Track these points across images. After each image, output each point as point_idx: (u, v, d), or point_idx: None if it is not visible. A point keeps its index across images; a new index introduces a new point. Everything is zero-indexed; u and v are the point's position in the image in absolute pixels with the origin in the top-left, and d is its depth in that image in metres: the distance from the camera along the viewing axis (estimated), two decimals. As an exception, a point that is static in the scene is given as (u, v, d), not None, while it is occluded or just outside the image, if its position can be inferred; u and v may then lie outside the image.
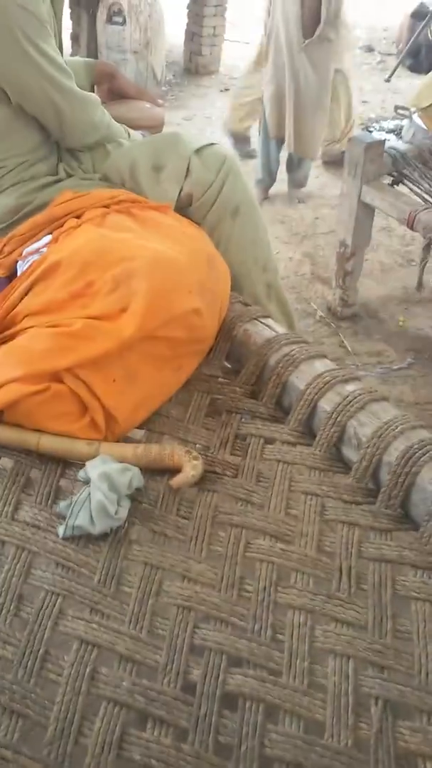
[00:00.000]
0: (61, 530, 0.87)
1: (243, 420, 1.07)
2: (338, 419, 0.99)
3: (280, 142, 3.45)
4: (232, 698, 0.70)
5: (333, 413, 1.00)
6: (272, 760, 0.65)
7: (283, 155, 3.57)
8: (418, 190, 2.17)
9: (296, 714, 0.69)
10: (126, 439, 1.04)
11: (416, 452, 0.90)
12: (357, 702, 0.70)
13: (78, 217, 1.18)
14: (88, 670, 0.72)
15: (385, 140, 2.25)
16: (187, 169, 1.28)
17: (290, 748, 0.66)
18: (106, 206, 1.18)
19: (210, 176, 1.28)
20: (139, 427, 1.06)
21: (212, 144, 1.32)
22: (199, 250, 1.13)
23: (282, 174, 3.62)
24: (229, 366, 1.17)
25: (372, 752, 0.66)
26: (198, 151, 1.29)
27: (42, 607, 0.79)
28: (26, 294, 1.07)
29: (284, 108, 3.26)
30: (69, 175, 1.35)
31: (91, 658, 0.74)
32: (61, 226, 1.16)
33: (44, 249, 1.13)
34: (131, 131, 1.50)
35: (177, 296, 1.02)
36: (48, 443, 0.97)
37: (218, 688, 0.71)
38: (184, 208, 1.29)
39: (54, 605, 0.79)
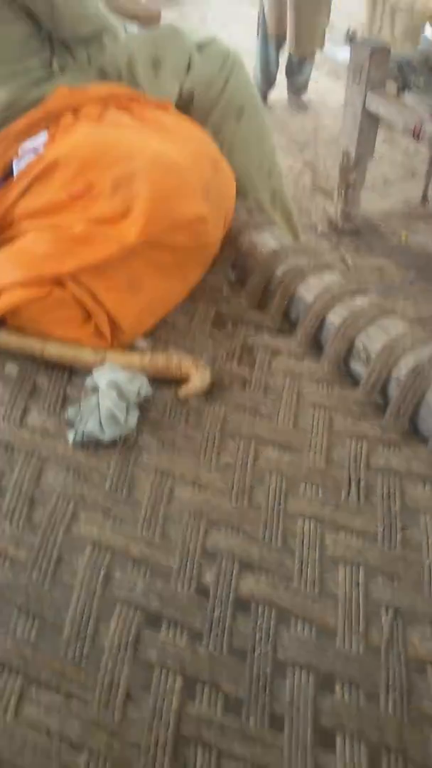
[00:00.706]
0: (71, 436, 0.87)
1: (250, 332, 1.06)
2: (347, 333, 0.98)
3: (280, 41, 3.30)
4: (244, 602, 0.72)
5: (341, 327, 0.99)
6: (285, 663, 0.68)
7: (282, 60, 3.43)
8: (424, 99, 2.10)
9: (308, 619, 0.71)
10: (131, 348, 1.02)
11: (426, 368, 0.90)
12: (368, 609, 0.72)
13: (75, 112, 1.13)
14: (102, 572, 0.74)
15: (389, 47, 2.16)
16: (188, 64, 1.22)
17: (303, 652, 0.68)
18: (104, 102, 1.13)
19: (212, 72, 1.22)
20: (145, 335, 1.05)
21: (214, 38, 1.25)
22: (203, 153, 1.08)
23: (280, 80, 3.48)
24: (234, 276, 1.15)
25: (383, 658, 0.68)
26: (199, 45, 1.23)
27: (54, 511, 0.79)
28: (24, 194, 1.03)
29: (284, 3, 3.10)
30: (63, 70, 1.28)
31: (104, 561, 0.75)
32: (58, 122, 1.10)
33: (41, 147, 1.08)
34: (128, 25, 1.42)
35: (180, 201, 0.99)
36: (53, 350, 0.96)
37: (231, 592, 0.72)
38: (185, 107, 1.24)
39: (66, 509, 0.80)
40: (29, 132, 1.15)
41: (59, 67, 1.26)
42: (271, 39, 3.29)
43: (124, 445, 0.87)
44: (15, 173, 1.09)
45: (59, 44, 1.28)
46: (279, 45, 3.32)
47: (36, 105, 1.19)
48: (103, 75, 1.29)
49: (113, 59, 1.28)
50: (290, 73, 3.48)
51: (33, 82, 1.23)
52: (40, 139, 1.12)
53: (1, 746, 0.60)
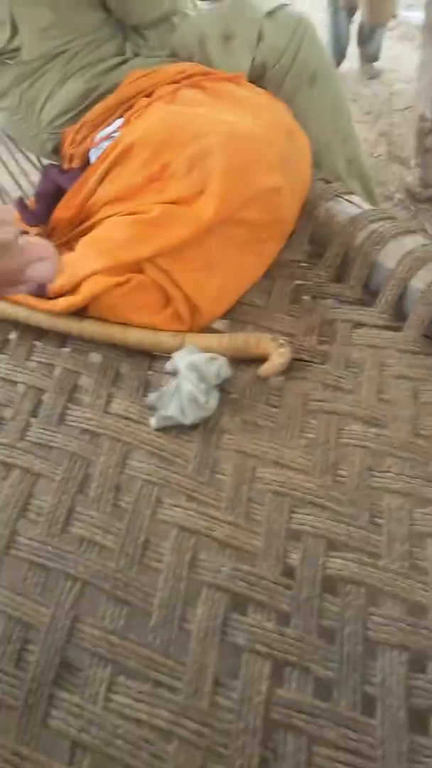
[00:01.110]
0: (153, 421, 0.87)
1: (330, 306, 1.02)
2: (432, 299, 0.93)
3: (351, 11, 3.19)
4: (332, 582, 0.70)
5: (426, 292, 0.94)
6: (376, 642, 0.65)
7: (352, 30, 3.32)
8: None
9: (398, 597, 0.68)
10: (209, 330, 1.02)
11: None
12: (462, 586, 0.69)
13: (148, 95, 1.12)
14: (187, 556, 0.73)
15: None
16: (259, 34, 1.19)
17: (395, 630, 0.66)
18: (177, 81, 1.11)
19: (284, 41, 1.18)
20: (222, 317, 1.03)
21: (284, 5, 1.21)
22: (277, 122, 1.05)
23: (351, 50, 3.37)
24: (311, 249, 1.12)
25: None
26: (269, 14, 1.19)
27: (139, 496, 0.80)
28: (101, 182, 1.03)
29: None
30: (136, 54, 1.28)
31: (190, 544, 0.74)
32: (132, 107, 1.10)
33: (116, 133, 1.08)
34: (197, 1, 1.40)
35: (256, 173, 0.96)
36: (134, 336, 0.96)
37: (318, 572, 0.71)
38: (258, 78, 1.21)
39: (151, 494, 0.80)
40: (105, 120, 1.16)
41: (132, 53, 1.26)
42: (341, 9, 3.19)
43: (206, 427, 0.87)
44: (92, 161, 1.10)
45: (131, 30, 1.28)
46: (350, 15, 3.21)
47: (111, 92, 1.19)
48: (175, 56, 1.28)
49: (184, 39, 1.26)
50: (362, 41, 3.35)
51: (107, 70, 1.24)
52: (115, 124, 1.12)
53: (91, 736, 0.61)
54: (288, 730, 0.61)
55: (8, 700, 0.64)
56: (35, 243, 0.44)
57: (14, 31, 1.22)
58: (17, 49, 1.24)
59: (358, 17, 3.26)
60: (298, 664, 0.64)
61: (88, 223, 1.04)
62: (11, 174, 1.40)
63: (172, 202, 0.96)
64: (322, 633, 0.67)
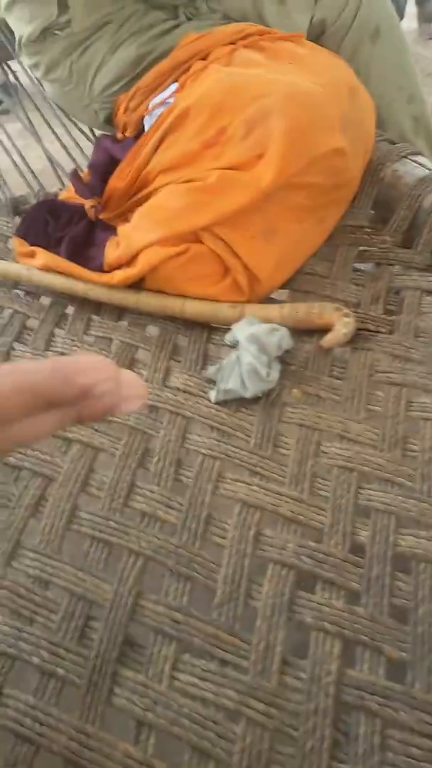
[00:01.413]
0: (212, 395, 0.85)
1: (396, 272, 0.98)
2: None
3: None
4: (404, 560, 0.67)
5: None
6: (452, 623, 0.62)
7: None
8: None
9: None
10: (268, 301, 0.98)
11: None
12: None
13: (204, 58, 1.08)
14: (252, 532, 0.71)
15: None
16: None
17: (471, 611, 0.62)
18: (233, 42, 1.07)
19: None
20: (282, 287, 1.00)
21: None
22: (339, 80, 1.00)
23: (410, 8, 3.24)
24: (376, 214, 1.07)
25: None
26: None
27: (201, 470, 0.78)
28: (157, 149, 1.00)
29: None
30: (188, 19, 1.24)
31: (254, 520, 0.72)
32: (187, 70, 1.07)
33: (171, 99, 1.05)
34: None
35: (318, 134, 0.92)
36: (192, 308, 0.94)
37: (389, 550, 0.68)
38: (317, 36, 1.16)
39: (213, 469, 0.78)
40: (159, 85, 1.12)
41: (185, 17, 1.23)
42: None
43: (267, 400, 0.84)
44: (146, 130, 1.07)
45: None
46: None
47: (164, 57, 1.16)
48: (228, 20, 1.24)
49: (237, 2, 1.22)
50: (421, 1, 3.24)
51: (159, 34, 1.20)
52: (170, 90, 1.09)
53: (156, 715, 0.60)
54: (360, 712, 0.58)
55: (72, 678, 0.63)
56: (130, 381, 0.44)
57: (63, 6, 1.19)
58: (67, 22, 1.21)
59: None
60: (369, 644, 0.62)
61: (143, 193, 1.01)
62: (64, 147, 1.38)
63: (229, 168, 0.93)
64: (394, 613, 0.64)
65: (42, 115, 1.43)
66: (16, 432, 0.40)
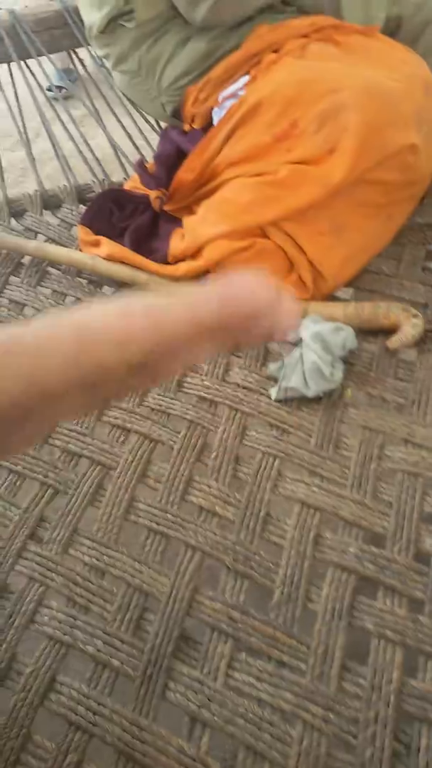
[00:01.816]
0: (273, 392, 0.84)
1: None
2: None
3: None
4: (470, 571, 0.65)
5: None
6: None
7: None
8: None
9: None
10: (333, 299, 0.97)
11: None
12: None
13: (276, 51, 1.07)
14: (312, 534, 0.70)
15: None
16: None
17: None
18: (306, 35, 1.05)
19: None
20: (347, 285, 0.98)
21: None
22: (414, 76, 0.98)
23: None
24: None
25: None
26: None
27: (260, 468, 0.77)
28: (226, 142, 0.99)
29: None
30: (261, 11, 1.22)
31: (314, 521, 0.71)
32: (259, 63, 1.05)
33: (242, 91, 1.04)
34: None
35: (392, 130, 0.90)
36: (255, 302, 0.93)
37: (455, 560, 0.66)
38: (393, 31, 1.13)
39: (272, 467, 0.77)
40: (230, 77, 1.11)
41: (258, 11, 1.21)
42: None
43: (329, 399, 0.83)
44: (215, 122, 1.06)
45: None
46: None
47: (236, 50, 1.14)
48: (302, 13, 1.22)
49: None
50: None
51: (231, 27, 1.19)
52: (240, 83, 1.07)
53: (211, 712, 0.59)
54: (423, 724, 0.56)
55: (126, 669, 0.63)
56: (288, 310, 0.45)
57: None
58: (132, 11, 1.20)
59: None
60: (432, 655, 0.60)
61: (210, 185, 1.01)
62: (129, 136, 1.38)
63: (300, 162, 0.91)
64: (459, 624, 0.62)
65: (107, 103, 1.43)
66: (182, 360, 0.43)
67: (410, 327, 0.85)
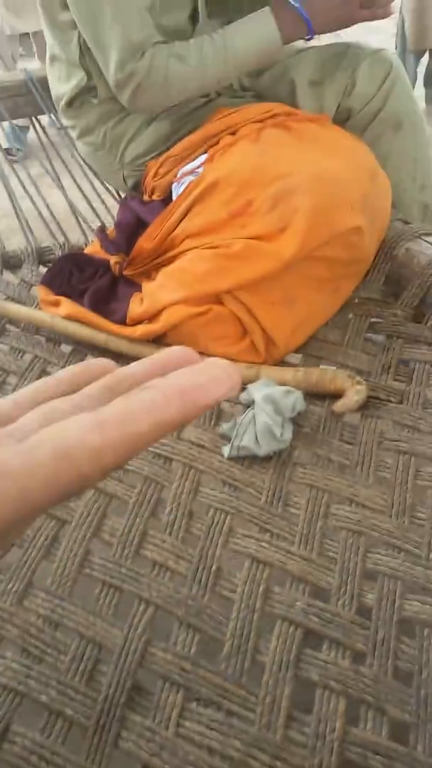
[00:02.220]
0: (226, 451, 0.87)
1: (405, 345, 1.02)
2: None
3: (419, 55, 3.25)
4: (409, 624, 0.69)
5: None
6: (455, 688, 0.64)
7: (421, 70, 3.37)
8: None
9: None
10: (283, 364, 1.02)
11: None
12: None
13: (233, 133, 1.14)
14: (261, 588, 0.73)
15: None
16: (351, 82, 1.20)
17: (474, 677, 0.64)
18: (262, 120, 1.14)
19: (372, 89, 1.20)
20: (296, 351, 1.04)
21: (379, 51, 1.22)
22: (361, 164, 1.07)
23: (419, 90, 3.40)
24: (387, 288, 1.12)
25: None
26: (365, 58, 1.20)
27: (212, 524, 0.80)
28: (185, 216, 1.06)
29: (428, 17, 3.04)
30: (219, 95, 1.31)
31: (263, 576, 0.74)
32: (217, 143, 1.13)
33: (200, 169, 1.11)
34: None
35: (339, 213, 0.98)
36: (209, 365, 0.97)
37: (395, 614, 0.69)
38: (342, 121, 1.23)
39: (223, 523, 0.80)
40: (189, 155, 1.18)
41: (216, 93, 1.29)
42: (410, 52, 3.24)
43: (279, 459, 0.87)
44: (174, 196, 1.13)
45: None
46: (418, 57, 3.27)
47: (196, 130, 1.22)
48: (260, 97, 1.31)
49: (271, 82, 1.29)
50: (430, 83, 3.41)
51: (193, 110, 1.26)
52: (199, 161, 1.15)
53: (162, 761, 0.60)
54: (364, 772, 0.59)
55: (79, 718, 0.64)
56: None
57: (88, 73, 1.23)
58: (95, 87, 1.25)
59: (425, 59, 3.31)
60: (373, 704, 0.63)
61: (169, 254, 1.06)
62: (89, 201, 1.44)
63: (254, 238, 0.98)
64: (399, 675, 0.65)
65: (64, 164, 1.49)
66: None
67: (354, 393, 0.91)
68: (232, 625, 0.70)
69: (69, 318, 1.05)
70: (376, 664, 0.66)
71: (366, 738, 0.61)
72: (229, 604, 0.72)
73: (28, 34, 3.54)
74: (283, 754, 0.60)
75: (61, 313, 1.06)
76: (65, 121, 1.33)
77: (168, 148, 1.24)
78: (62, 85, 1.29)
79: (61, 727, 0.64)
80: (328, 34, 1.20)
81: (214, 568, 0.75)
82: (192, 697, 0.65)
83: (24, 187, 1.42)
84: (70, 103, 1.27)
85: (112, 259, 1.14)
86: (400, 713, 0.62)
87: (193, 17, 1.22)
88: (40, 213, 1.38)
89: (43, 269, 1.23)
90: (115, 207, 1.38)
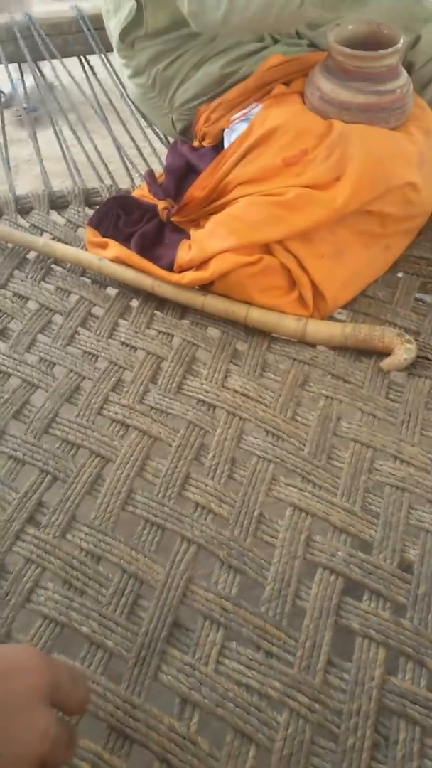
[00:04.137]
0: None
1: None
2: None
3: None
4: (451, 581, 0.69)
5: None
6: None
7: None
8: None
9: None
10: (331, 319, 1.01)
11: None
12: None
13: (287, 84, 1.12)
14: (303, 536, 0.73)
15: None
16: (416, 38, 1.17)
17: None
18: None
19: None
20: (344, 307, 1.03)
21: None
22: (417, 120, 1.04)
23: None
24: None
25: None
26: (428, 15, 1.16)
27: (255, 471, 0.80)
28: (238, 163, 1.04)
29: None
30: (275, 41, 1.27)
31: (305, 525, 0.74)
32: (270, 92, 1.10)
33: (252, 116, 1.08)
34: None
35: (395, 165, 0.95)
36: (256, 316, 0.96)
37: (437, 570, 0.70)
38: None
39: (266, 471, 0.80)
40: (242, 101, 1.15)
41: (271, 39, 1.26)
42: None
43: (322, 412, 0.86)
44: (226, 143, 1.11)
45: None
46: None
47: (246, 77, 1.19)
48: (314, 47, 1.27)
49: (325, 35, 1.25)
50: None
51: (245, 55, 1.23)
52: (252, 109, 1.12)
53: (201, 695, 0.61)
54: (401, 719, 0.60)
55: (120, 651, 0.65)
56: None
57: (138, 2, 1.18)
58: (143, 21, 1.20)
59: None
60: (413, 656, 0.63)
61: (219, 202, 1.04)
62: (137, 148, 1.42)
63: (308, 187, 0.96)
64: (439, 628, 0.66)
65: (113, 106, 1.47)
66: None
67: (403, 351, 0.90)
68: (274, 569, 0.70)
69: (116, 261, 1.05)
70: (416, 617, 0.66)
71: (404, 687, 0.61)
72: (270, 549, 0.73)
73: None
74: (322, 697, 0.61)
75: (108, 255, 1.06)
76: (119, 60, 1.30)
77: (218, 94, 1.21)
78: (111, 19, 1.26)
79: (101, 657, 0.65)
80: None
81: (256, 513, 0.76)
82: (232, 636, 0.66)
83: (72, 129, 1.40)
84: (122, 39, 1.24)
85: (160, 204, 1.12)
86: (439, 665, 0.63)
87: None
88: (87, 156, 1.37)
89: (89, 211, 1.22)
90: (162, 152, 1.36)
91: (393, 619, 0.66)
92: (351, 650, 0.65)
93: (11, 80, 2.58)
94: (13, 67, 1.61)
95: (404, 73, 1.02)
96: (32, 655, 0.42)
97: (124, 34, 1.23)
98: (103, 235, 1.11)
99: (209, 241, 0.99)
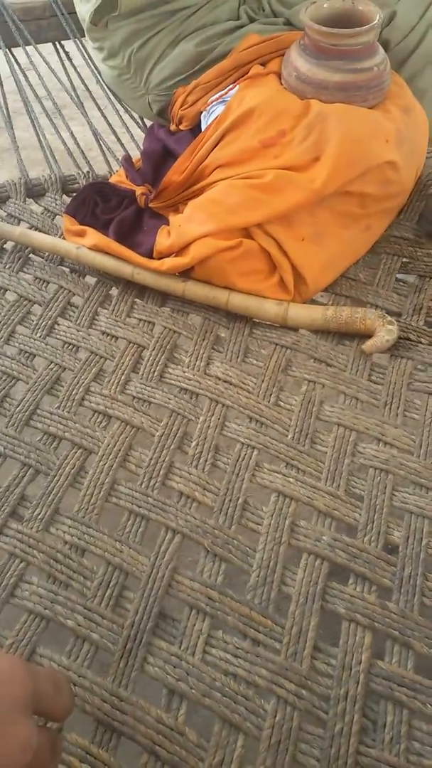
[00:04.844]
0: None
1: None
2: None
3: None
4: (436, 562, 0.69)
5: None
6: None
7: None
8: None
9: None
10: (312, 302, 1.00)
11: None
12: None
13: (263, 64, 1.10)
14: (287, 522, 0.73)
15: None
16: (391, 15, 1.15)
17: None
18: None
19: (413, 22, 1.14)
20: (326, 290, 1.02)
21: None
22: (395, 97, 1.03)
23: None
24: (420, 228, 1.09)
25: None
26: None
27: (239, 458, 0.80)
28: (215, 146, 1.02)
29: None
30: (251, 20, 1.25)
31: (289, 510, 0.74)
32: (247, 72, 1.08)
33: (229, 98, 1.07)
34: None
35: (373, 144, 0.94)
36: (238, 301, 0.96)
37: (422, 551, 0.70)
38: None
39: (250, 457, 0.80)
40: (218, 84, 1.14)
41: (247, 17, 1.24)
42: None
43: (305, 397, 0.86)
44: (203, 125, 1.09)
45: None
46: None
47: (224, 57, 1.17)
48: (291, 25, 1.25)
49: (299, 14, 1.24)
50: None
51: (221, 34, 1.21)
52: (230, 91, 1.11)
53: (188, 685, 0.61)
54: (389, 702, 0.60)
55: (106, 644, 0.65)
56: None
57: None
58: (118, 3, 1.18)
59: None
60: (399, 638, 0.63)
61: (198, 186, 1.03)
62: (115, 134, 1.40)
63: (286, 168, 0.95)
64: (425, 611, 0.66)
65: (89, 92, 1.45)
66: None
67: (385, 333, 0.89)
68: (259, 556, 0.70)
69: (94, 249, 1.03)
70: (402, 599, 0.66)
71: (391, 670, 0.62)
72: (255, 536, 0.72)
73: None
74: (309, 683, 0.61)
75: (86, 243, 1.04)
76: (91, 44, 1.28)
77: (194, 73, 1.19)
78: (84, 4, 1.24)
79: (87, 651, 0.65)
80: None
81: (240, 500, 0.75)
82: (218, 625, 0.66)
83: (48, 115, 1.38)
84: (94, 22, 1.22)
85: (138, 190, 1.11)
86: (425, 648, 0.63)
87: None
88: (64, 143, 1.35)
89: (67, 199, 1.21)
90: (141, 138, 1.34)
91: (379, 602, 0.66)
92: (338, 635, 0.65)
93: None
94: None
95: (381, 50, 1.01)
96: (13, 665, 0.41)
97: (97, 15, 1.21)
98: (81, 223, 1.09)
99: (188, 227, 0.98)
